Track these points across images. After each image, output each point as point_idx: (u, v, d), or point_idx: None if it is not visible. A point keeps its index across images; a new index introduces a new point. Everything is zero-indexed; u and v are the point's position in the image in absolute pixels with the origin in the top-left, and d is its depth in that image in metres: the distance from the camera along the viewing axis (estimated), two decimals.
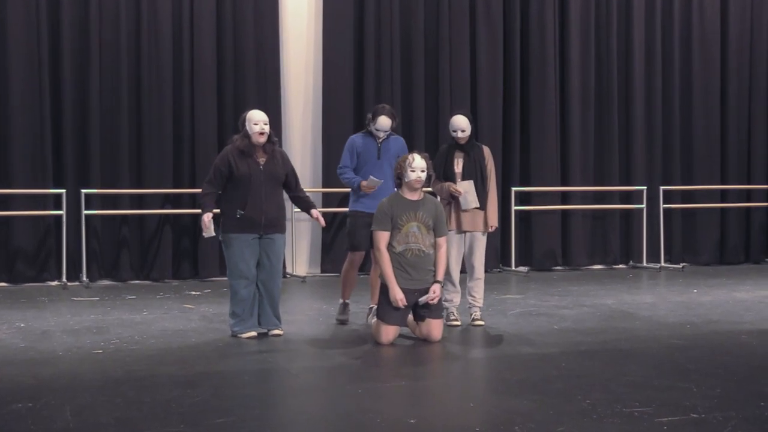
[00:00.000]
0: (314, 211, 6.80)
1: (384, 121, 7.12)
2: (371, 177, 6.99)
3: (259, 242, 6.57)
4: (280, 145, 7.01)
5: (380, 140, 7.19)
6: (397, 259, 6.39)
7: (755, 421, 4.36)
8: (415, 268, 6.41)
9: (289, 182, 6.74)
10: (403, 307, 6.31)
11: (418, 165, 6.43)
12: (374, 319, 6.60)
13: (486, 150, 7.30)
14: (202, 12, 10.33)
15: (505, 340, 6.62)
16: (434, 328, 6.44)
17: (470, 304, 7.24)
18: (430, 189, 7.23)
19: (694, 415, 4.45)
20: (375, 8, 10.89)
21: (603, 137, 11.84)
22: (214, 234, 6.54)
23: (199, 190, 10.01)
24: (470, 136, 7.23)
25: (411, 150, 6.80)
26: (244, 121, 6.66)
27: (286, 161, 6.75)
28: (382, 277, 6.45)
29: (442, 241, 6.54)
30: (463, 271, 7.26)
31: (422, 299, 6.39)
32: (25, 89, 9.83)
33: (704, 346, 6.34)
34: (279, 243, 6.64)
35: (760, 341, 6.47)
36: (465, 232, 7.16)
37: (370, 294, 7.28)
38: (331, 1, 10.81)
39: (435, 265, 6.50)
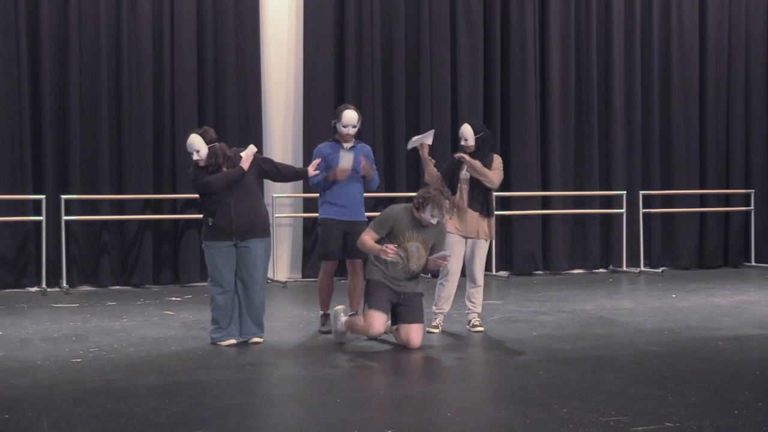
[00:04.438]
0: (310, 169, 6.82)
1: (351, 115, 7.01)
2: (340, 165, 6.91)
3: (235, 250, 6.57)
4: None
5: (348, 146, 7.13)
6: (386, 263, 6.42)
7: (729, 430, 4.41)
8: (399, 279, 6.48)
9: (269, 172, 6.71)
10: (393, 255, 6.25)
11: (435, 215, 6.36)
12: (347, 317, 6.60)
13: (496, 159, 7.22)
14: (182, 18, 10.32)
15: (484, 348, 6.65)
16: (413, 333, 6.46)
17: (468, 309, 7.28)
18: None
19: (669, 424, 4.49)
20: (356, 16, 10.91)
21: (583, 142, 11.91)
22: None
23: (180, 196, 10.17)
24: (480, 147, 7.16)
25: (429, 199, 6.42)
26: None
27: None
28: (366, 278, 6.50)
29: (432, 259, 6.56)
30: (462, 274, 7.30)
31: (436, 257, 6.39)
32: (4, 94, 9.79)
33: (681, 353, 6.39)
34: (256, 250, 6.57)
35: (736, 348, 6.53)
36: (467, 237, 7.18)
37: (348, 302, 7.30)
38: (312, 8, 10.82)
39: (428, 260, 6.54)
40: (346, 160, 6.91)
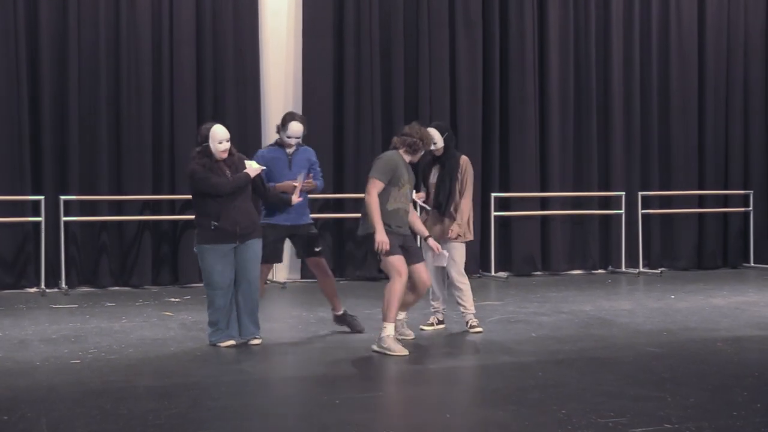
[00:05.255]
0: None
1: (296, 127, 7.01)
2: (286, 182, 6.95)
3: (234, 251, 6.57)
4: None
5: (291, 151, 7.09)
6: (388, 215, 6.39)
7: (727, 431, 4.41)
8: (400, 225, 6.49)
9: (257, 187, 6.74)
10: (386, 250, 6.28)
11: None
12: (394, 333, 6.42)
13: (463, 160, 7.28)
14: (181, 18, 10.32)
15: (483, 349, 6.65)
16: (423, 273, 6.52)
17: (462, 312, 7.25)
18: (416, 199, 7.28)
19: (668, 426, 4.49)
20: (355, 16, 10.91)
21: (582, 143, 11.91)
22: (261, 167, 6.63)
23: (179, 196, 10.17)
24: (448, 147, 7.23)
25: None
26: (205, 136, 6.52)
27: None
28: (361, 234, 6.49)
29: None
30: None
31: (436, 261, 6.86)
32: (3, 96, 9.78)
33: (680, 354, 6.39)
34: (255, 249, 6.62)
35: (735, 349, 6.54)
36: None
37: (331, 304, 7.27)
38: (311, 10, 10.82)
39: (413, 225, 6.71)
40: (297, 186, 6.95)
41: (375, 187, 6.37)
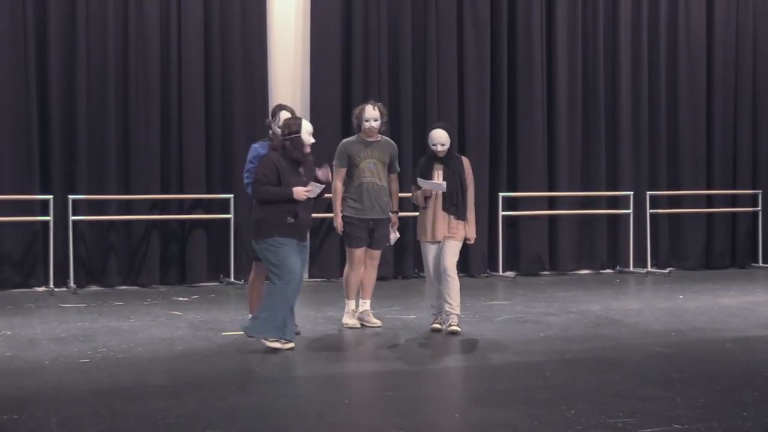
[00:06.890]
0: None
1: (286, 117, 6.88)
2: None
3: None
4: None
5: None
6: (356, 190, 7.26)
7: None
8: (371, 198, 7.24)
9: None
10: (341, 232, 7.33)
11: (370, 115, 7.30)
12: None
13: (465, 161, 7.29)
14: (189, 19, 10.32)
15: (491, 348, 6.64)
16: (375, 255, 7.43)
17: (447, 311, 7.12)
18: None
19: (677, 426, 4.48)
20: (362, 17, 10.90)
21: (590, 143, 11.89)
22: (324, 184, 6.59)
23: (187, 196, 10.19)
24: (449, 148, 7.22)
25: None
26: (296, 130, 6.47)
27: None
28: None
29: (394, 177, 7.45)
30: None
31: (391, 238, 7.47)
32: (12, 95, 9.80)
33: (689, 354, 6.38)
34: (308, 248, 6.70)
35: (744, 349, 6.52)
36: (438, 242, 7.14)
37: (249, 305, 7.09)
38: (319, 11, 10.81)
39: (390, 197, 7.39)
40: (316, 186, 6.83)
41: (337, 174, 7.28)
